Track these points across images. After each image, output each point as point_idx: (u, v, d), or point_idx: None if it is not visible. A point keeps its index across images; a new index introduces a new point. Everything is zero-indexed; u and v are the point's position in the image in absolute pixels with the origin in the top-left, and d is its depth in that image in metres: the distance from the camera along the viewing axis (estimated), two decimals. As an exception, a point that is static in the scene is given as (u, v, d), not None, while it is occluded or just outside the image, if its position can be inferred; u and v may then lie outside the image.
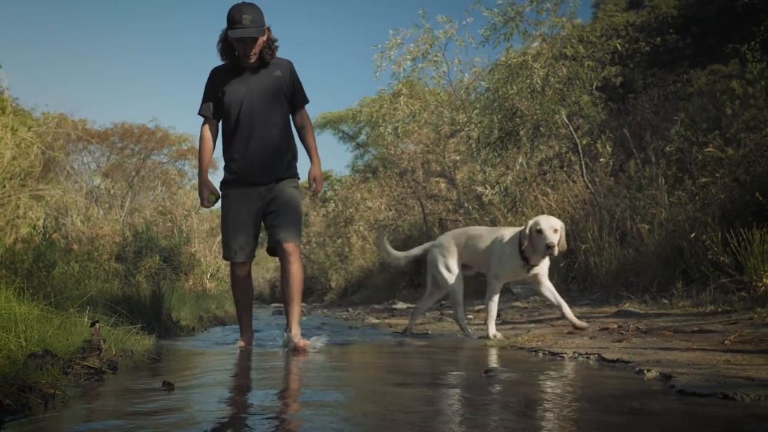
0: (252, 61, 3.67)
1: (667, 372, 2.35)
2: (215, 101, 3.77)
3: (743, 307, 4.34)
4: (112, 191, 17.70)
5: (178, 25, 63.49)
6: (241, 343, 3.90)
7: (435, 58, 9.90)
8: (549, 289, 4.33)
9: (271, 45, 3.70)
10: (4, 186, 9.17)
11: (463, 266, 4.66)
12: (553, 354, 3.19)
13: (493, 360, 3.05)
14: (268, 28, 3.65)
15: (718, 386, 2.04)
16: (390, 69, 10.07)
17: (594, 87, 8.51)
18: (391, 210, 20.65)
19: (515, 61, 7.89)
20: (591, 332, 4.04)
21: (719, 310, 4.57)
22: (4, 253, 7.16)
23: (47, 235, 7.92)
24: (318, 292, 24.95)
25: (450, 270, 4.59)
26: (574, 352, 3.13)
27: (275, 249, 3.73)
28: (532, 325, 5.00)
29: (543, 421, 1.64)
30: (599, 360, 2.91)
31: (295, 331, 3.68)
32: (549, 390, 2.14)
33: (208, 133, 3.81)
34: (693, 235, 5.38)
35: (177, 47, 66.77)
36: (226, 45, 3.68)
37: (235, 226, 3.73)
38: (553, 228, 4.05)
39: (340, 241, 23.91)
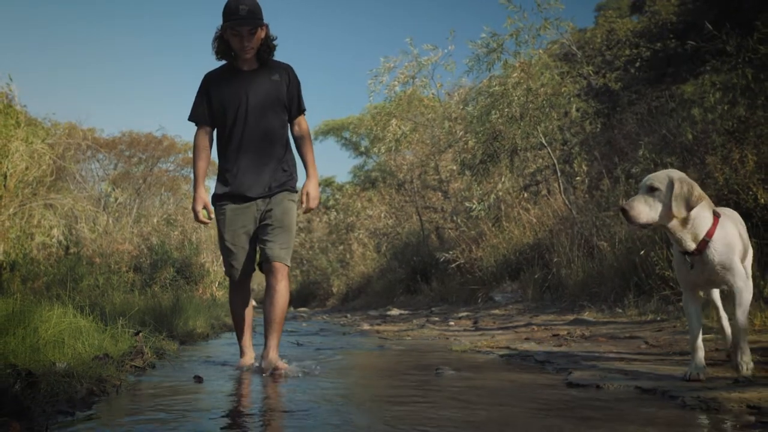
0: (248, 56, 3.46)
1: (570, 368, 3.14)
2: (209, 107, 3.53)
3: (675, 316, 5.11)
4: (120, 200, 18.39)
5: (185, 33, 64.46)
6: (243, 362, 3.58)
7: (422, 83, 10.77)
8: (738, 303, 2.70)
9: (269, 43, 3.51)
10: (18, 195, 9.95)
11: None
12: (501, 356, 3.97)
13: (450, 361, 3.83)
14: (267, 26, 3.48)
15: (598, 379, 2.81)
16: (383, 93, 10.92)
17: (574, 108, 9.31)
18: (390, 218, 21.44)
19: (497, 89, 8.67)
20: (541, 338, 4.82)
21: (658, 318, 5.34)
22: (28, 263, 7.95)
23: (70, 249, 8.72)
24: (320, 297, 25.73)
25: None
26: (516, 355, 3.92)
27: (263, 266, 3.52)
28: (500, 331, 5.77)
29: (454, 400, 2.42)
30: (533, 360, 3.69)
31: (273, 355, 3.34)
32: (477, 382, 2.92)
33: (202, 142, 3.54)
34: (642, 252, 6.15)
35: (184, 55, 67.74)
36: (222, 42, 3.48)
37: (234, 245, 3.50)
38: (646, 185, 2.73)
39: (341, 247, 24.72)
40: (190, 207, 3.62)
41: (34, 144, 10.56)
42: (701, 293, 3.02)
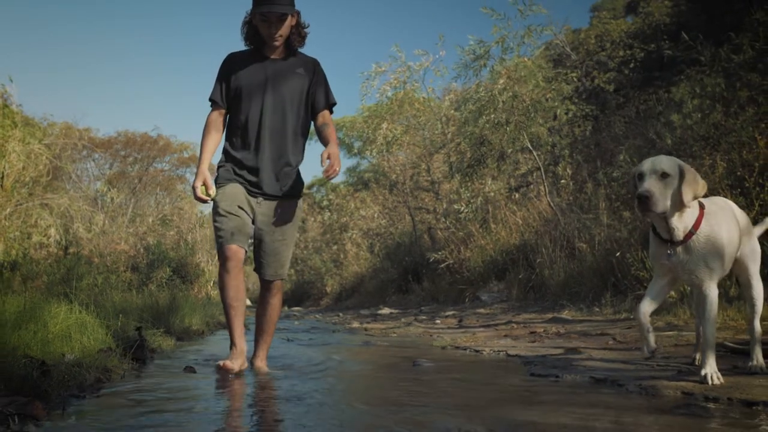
0: (277, 44, 3.31)
1: (537, 362, 3.42)
2: (226, 89, 3.39)
3: (645, 314, 5.40)
4: (116, 200, 18.55)
5: (182, 34, 64.59)
6: (229, 364, 3.17)
7: (413, 87, 11.08)
8: (706, 315, 2.60)
9: (300, 31, 3.37)
10: (14, 195, 10.19)
11: None
12: (477, 351, 4.25)
13: (429, 355, 4.10)
14: (298, 12, 3.35)
15: (558, 370, 3.10)
16: (374, 96, 11.21)
17: (561, 111, 9.62)
18: (383, 219, 21.71)
19: (483, 95, 8.96)
20: (518, 335, 5.11)
21: (630, 317, 5.62)
22: (27, 263, 8.19)
23: (69, 249, 8.97)
24: (314, 297, 25.99)
25: None
26: (491, 350, 4.20)
27: (262, 279, 3.45)
28: (481, 329, 6.06)
29: (428, 388, 2.70)
30: (506, 355, 3.98)
31: (261, 364, 3.37)
32: (451, 373, 3.20)
33: (215, 122, 3.39)
34: (618, 253, 6.44)
35: (180, 56, 67.85)
36: (251, 28, 3.33)
37: (230, 208, 3.25)
38: (657, 171, 2.51)
39: (335, 247, 24.99)
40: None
41: (30, 144, 10.77)
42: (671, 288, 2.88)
